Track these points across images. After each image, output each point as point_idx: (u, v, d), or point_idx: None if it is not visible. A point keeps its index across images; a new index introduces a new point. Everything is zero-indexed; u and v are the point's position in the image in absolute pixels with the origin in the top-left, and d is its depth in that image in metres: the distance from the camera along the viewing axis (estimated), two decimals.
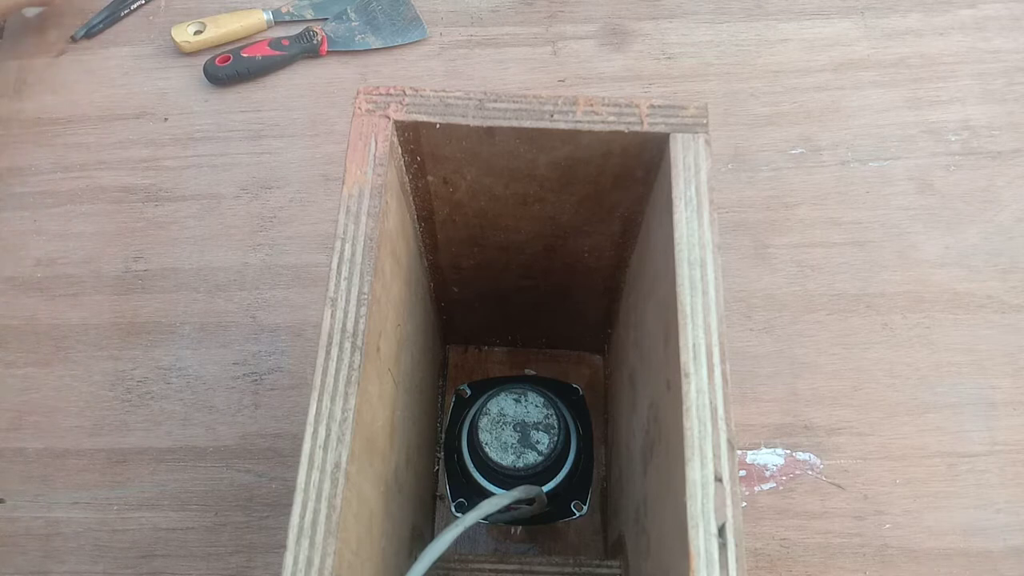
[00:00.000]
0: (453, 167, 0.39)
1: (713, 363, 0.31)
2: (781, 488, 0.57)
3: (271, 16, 0.77)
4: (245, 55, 0.73)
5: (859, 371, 0.61)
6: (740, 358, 0.61)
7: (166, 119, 0.73)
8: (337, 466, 0.30)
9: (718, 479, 0.29)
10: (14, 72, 0.76)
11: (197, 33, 0.75)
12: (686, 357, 0.31)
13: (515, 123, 0.36)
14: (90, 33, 0.77)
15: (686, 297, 0.32)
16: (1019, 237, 0.65)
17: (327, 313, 0.32)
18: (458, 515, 0.49)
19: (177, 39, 0.75)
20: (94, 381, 0.62)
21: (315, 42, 0.75)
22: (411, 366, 0.43)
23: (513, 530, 0.56)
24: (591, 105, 0.36)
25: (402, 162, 0.38)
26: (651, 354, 0.38)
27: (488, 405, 0.52)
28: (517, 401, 0.52)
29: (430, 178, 0.40)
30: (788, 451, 0.59)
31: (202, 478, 0.59)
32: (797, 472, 0.58)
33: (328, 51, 0.75)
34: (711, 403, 0.31)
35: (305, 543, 0.29)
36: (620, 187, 0.40)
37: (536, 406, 0.52)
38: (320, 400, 0.31)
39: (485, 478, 0.52)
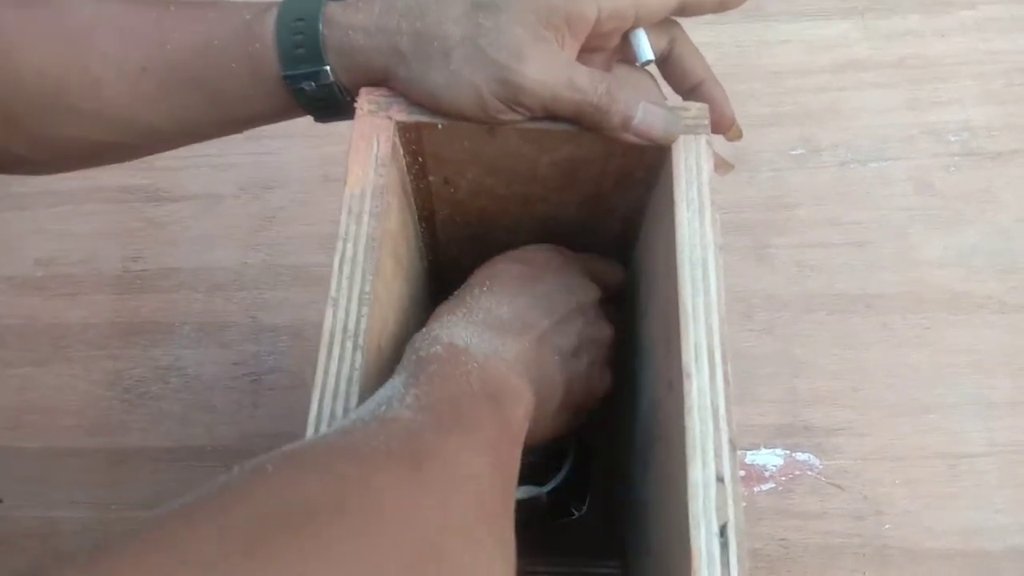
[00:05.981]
0: (455, 167, 0.39)
1: (715, 363, 0.31)
2: (781, 488, 0.57)
3: None
4: None
5: (859, 371, 0.61)
6: (740, 358, 0.61)
7: None
8: None
9: (720, 479, 0.29)
10: None
11: None
12: (688, 357, 0.31)
13: (517, 123, 0.36)
14: None
15: (688, 298, 0.32)
16: (1019, 237, 0.65)
17: (328, 312, 0.32)
18: None
19: None
20: (93, 380, 0.62)
21: None
22: None
23: None
24: None
25: (404, 163, 0.38)
26: (652, 354, 0.38)
27: None
28: None
29: (432, 178, 0.40)
30: (788, 451, 0.59)
31: (201, 478, 0.58)
32: (797, 472, 0.58)
33: None
34: (712, 403, 0.31)
35: None
36: (621, 188, 0.40)
37: None
38: (321, 400, 0.31)
39: None
